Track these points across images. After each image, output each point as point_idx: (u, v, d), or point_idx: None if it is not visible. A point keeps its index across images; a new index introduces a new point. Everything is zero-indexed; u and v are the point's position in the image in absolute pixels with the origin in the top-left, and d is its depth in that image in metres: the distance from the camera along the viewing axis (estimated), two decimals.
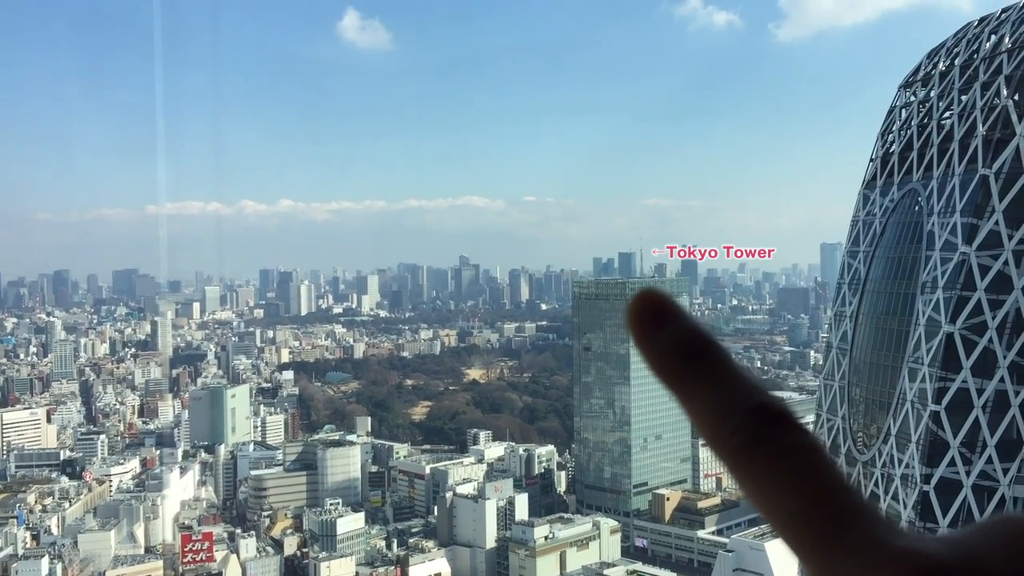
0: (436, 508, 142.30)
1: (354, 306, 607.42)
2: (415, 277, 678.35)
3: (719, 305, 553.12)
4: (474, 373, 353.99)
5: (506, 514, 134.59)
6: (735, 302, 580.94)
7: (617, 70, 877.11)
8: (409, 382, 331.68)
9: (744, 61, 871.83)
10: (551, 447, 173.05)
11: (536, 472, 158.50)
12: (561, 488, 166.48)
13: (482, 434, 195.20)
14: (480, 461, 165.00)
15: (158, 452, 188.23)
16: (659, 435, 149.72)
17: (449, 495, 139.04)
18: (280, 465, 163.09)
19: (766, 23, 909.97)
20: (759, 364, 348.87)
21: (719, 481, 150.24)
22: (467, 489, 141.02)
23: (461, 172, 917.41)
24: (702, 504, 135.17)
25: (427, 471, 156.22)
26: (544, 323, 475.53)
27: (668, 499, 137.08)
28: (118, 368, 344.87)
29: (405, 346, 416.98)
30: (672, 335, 1.43)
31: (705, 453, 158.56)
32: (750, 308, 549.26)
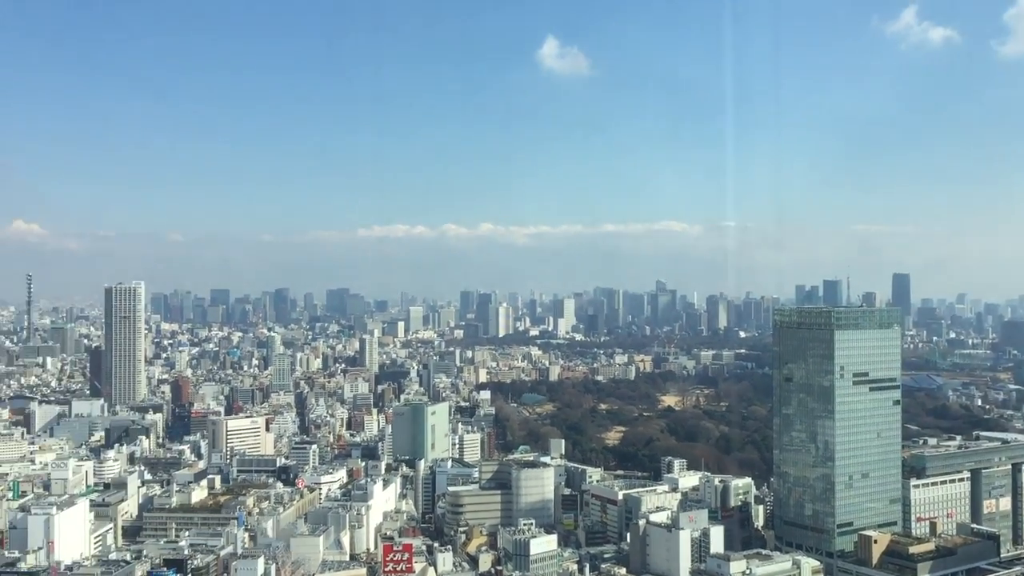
0: (629, 535, 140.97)
1: (550, 329, 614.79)
2: (611, 301, 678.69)
3: (935, 338, 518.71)
4: (669, 399, 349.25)
5: (700, 546, 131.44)
6: (953, 335, 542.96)
7: (823, 90, 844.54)
8: (603, 406, 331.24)
9: (963, 79, 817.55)
10: (748, 479, 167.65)
11: (732, 504, 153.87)
12: (759, 523, 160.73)
13: (676, 462, 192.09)
14: (674, 490, 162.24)
15: (363, 464, 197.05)
16: (865, 473, 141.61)
17: (642, 522, 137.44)
18: (476, 482, 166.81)
19: (988, 39, 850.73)
20: (980, 403, 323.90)
21: (933, 526, 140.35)
22: (660, 517, 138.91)
23: (659, 197, 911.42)
24: (914, 549, 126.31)
25: (620, 497, 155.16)
26: (742, 351, 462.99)
27: (876, 542, 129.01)
28: (329, 382, 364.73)
29: (600, 370, 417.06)
30: None
31: (918, 495, 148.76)
32: (970, 342, 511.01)
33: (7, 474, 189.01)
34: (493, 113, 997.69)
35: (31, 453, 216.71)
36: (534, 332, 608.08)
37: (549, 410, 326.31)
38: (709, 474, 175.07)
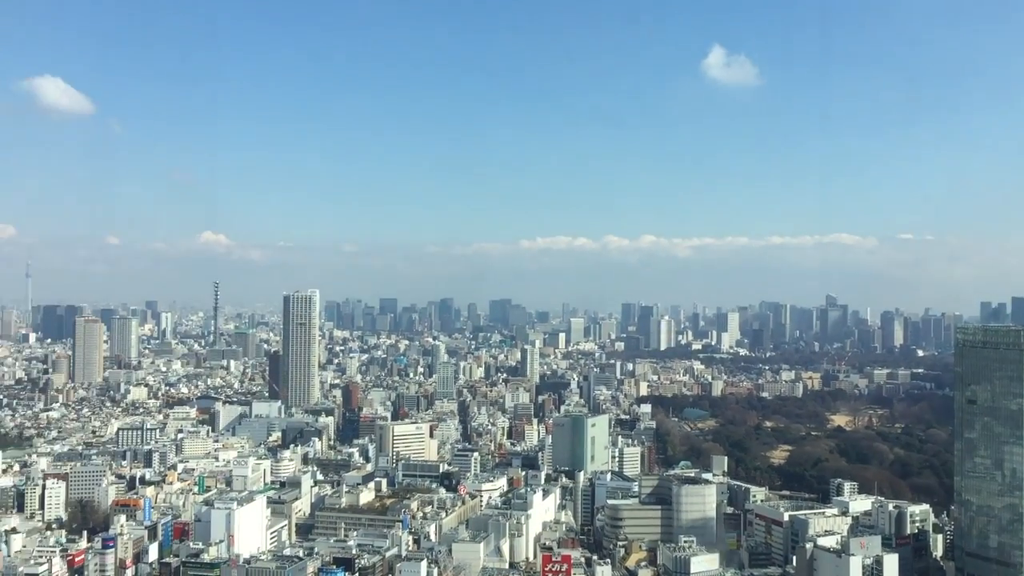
0: (795, 558, 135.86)
1: (713, 343, 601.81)
2: (777, 316, 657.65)
3: None
4: (839, 419, 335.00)
5: (872, 573, 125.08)
6: None
7: (1008, 94, 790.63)
8: (768, 424, 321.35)
9: None
10: (926, 506, 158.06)
11: (908, 532, 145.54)
12: (937, 552, 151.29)
13: (846, 484, 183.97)
14: (844, 513, 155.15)
15: (524, 473, 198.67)
16: None
17: (809, 546, 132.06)
18: (636, 496, 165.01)
19: None
20: None
21: None
22: (829, 542, 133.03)
23: (829, 208, 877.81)
24: None
25: (786, 518, 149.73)
26: (920, 370, 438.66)
27: None
28: (491, 391, 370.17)
29: (765, 386, 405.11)
30: None
31: None
32: None
33: (194, 469, 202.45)
34: (656, 123, 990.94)
35: (215, 450, 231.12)
36: (697, 346, 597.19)
37: (711, 426, 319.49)
38: (882, 499, 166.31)
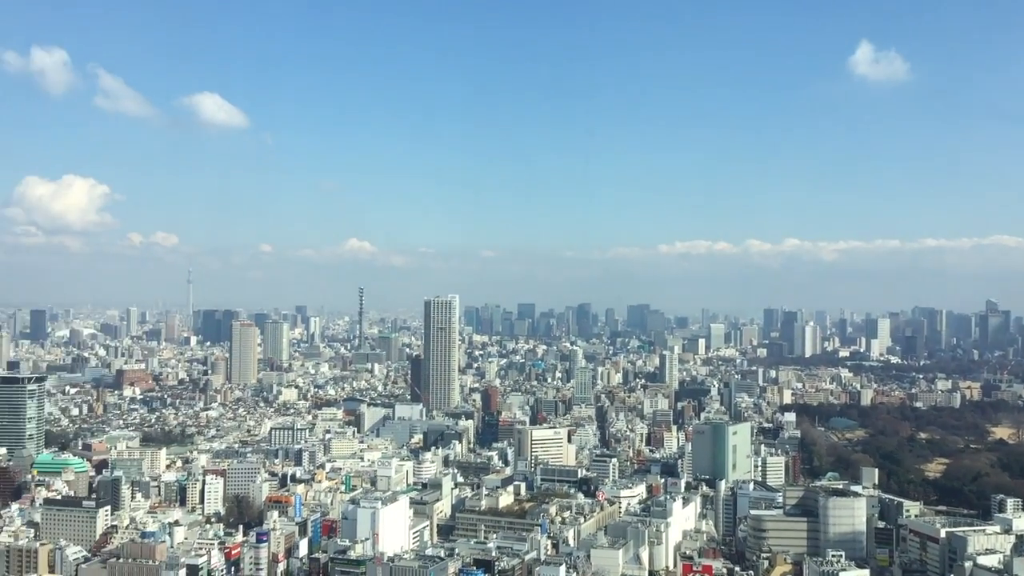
0: None
1: (862, 350, 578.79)
2: (932, 322, 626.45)
3: None
4: (1001, 431, 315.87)
5: None
6: None
7: None
8: (922, 435, 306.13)
9: None
10: None
11: None
12: None
13: (1010, 501, 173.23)
14: (1007, 531, 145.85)
15: (663, 480, 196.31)
16: None
17: (968, 564, 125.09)
18: (780, 508, 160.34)
19: None
20: None
21: None
22: (991, 561, 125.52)
23: (988, 209, 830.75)
24: None
25: (943, 534, 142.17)
26: None
27: None
28: (629, 397, 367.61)
29: (919, 396, 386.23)
30: None
31: None
32: None
33: (341, 469, 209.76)
34: (800, 124, 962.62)
35: (360, 451, 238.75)
36: (844, 353, 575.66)
37: (860, 436, 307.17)
38: None
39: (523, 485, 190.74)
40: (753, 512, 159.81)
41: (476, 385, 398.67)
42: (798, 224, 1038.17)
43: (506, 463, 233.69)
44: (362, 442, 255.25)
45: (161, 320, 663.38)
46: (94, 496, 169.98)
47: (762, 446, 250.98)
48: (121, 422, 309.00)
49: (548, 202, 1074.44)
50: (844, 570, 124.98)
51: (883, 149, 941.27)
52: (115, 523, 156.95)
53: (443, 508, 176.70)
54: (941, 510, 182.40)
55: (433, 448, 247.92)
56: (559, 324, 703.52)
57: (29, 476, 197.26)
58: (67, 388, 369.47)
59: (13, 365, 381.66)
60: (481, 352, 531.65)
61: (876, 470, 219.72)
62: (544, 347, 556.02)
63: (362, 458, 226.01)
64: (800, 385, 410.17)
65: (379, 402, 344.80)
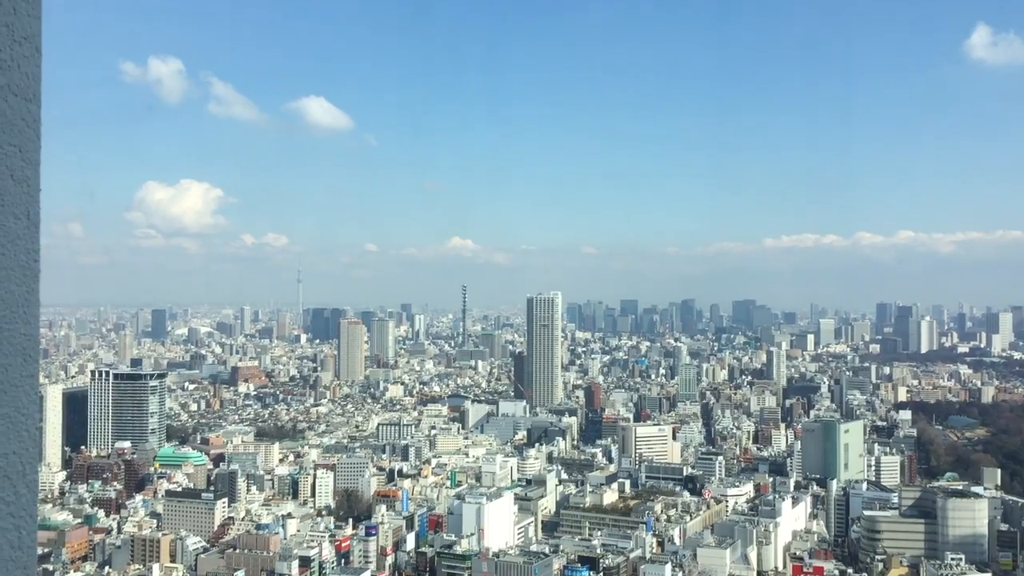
0: None
1: (982, 345, 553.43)
2: None
3: None
4: None
5: None
6: None
7: None
8: None
9: None
10: None
11: None
12: None
13: None
14: None
15: (771, 479, 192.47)
16: None
17: None
18: (895, 508, 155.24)
19: None
20: None
21: None
22: None
23: None
24: None
25: None
26: None
27: None
28: (735, 394, 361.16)
29: None
30: None
31: None
32: None
33: (446, 464, 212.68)
34: (914, 111, 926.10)
35: (465, 447, 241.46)
36: (963, 349, 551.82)
37: (981, 435, 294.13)
38: None
39: (628, 482, 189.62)
40: (867, 513, 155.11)
41: (579, 382, 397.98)
42: (913, 215, 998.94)
43: (610, 460, 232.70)
44: (467, 438, 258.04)
45: (273, 318, 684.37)
46: (212, 488, 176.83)
47: (875, 445, 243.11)
48: (236, 417, 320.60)
49: (650, 198, 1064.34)
50: (964, 574, 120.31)
51: (1003, 135, 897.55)
52: (232, 515, 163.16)
53: (547, 504, 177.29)
54: None
55: (537, 445, 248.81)
56: (662, 320, 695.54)
57: (151, 469, 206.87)
58: (186, 384, 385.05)
59: (136, 363, 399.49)
60: (584, 349, 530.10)
61: (998, 471, 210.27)
62: (647, 344, 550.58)
63: (467, 454, 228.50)
64: (916, 382, 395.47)
65: (483, 399, 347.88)
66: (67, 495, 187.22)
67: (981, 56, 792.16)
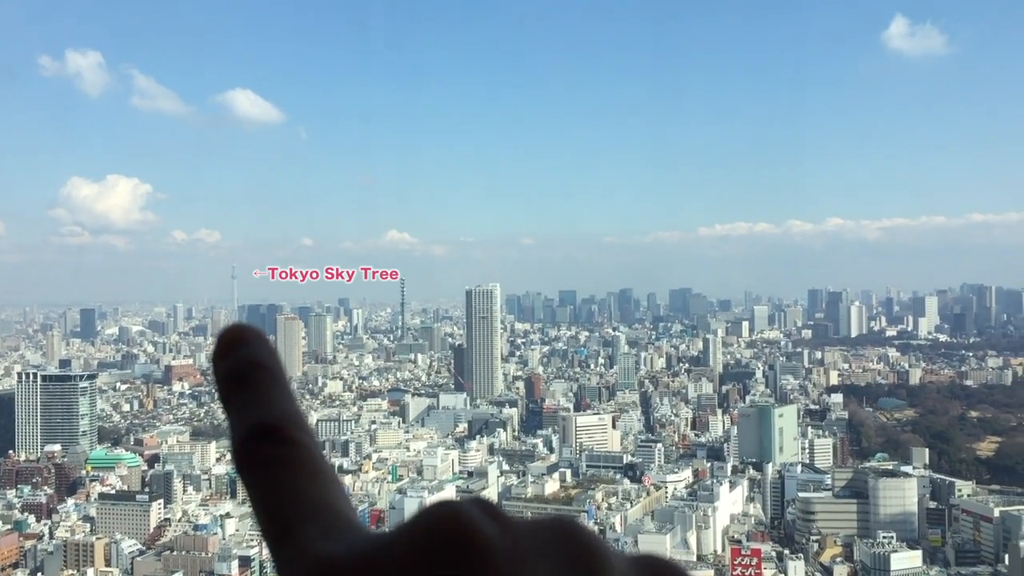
0: (1007, 557, 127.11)
1: (909, 329, 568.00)
2: (981, 299, 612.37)
3: None
4: None
5: None
6: None
7: None
8: (973, 414, 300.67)
9: None
10: None
11: None
12: None
13: None
14: None
15: (709, 464, 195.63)
16: None
17: (1023, 544, 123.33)
18: (828, 490, 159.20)
19: None
20: None
21: None
22: None
23: None
24: None
25: (996, 514, 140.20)
26: None
27: None
28: (673, 382, 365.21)
29: (969, 374, 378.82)
30: (228, 363, 1.55)
31: None
32: None
33: (387, 459, 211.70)
34: (836, 101, 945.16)
35: (406, 441, 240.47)
36: (891, 332, 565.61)
37: (909, 416, 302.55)
38: None
39: (568, 472, 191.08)
40: (802, 495, 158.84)
41: (519, 373, 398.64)
42: (841, 203, 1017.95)
43: (551, 450, 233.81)
44: (407, 432, 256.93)
45: (207, 316, 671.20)
46: (147, 490, 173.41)
47: (809, 428, 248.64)
48: (171, 417, 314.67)
49: (587, 188, 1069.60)
50: (895, 551, 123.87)
51: (924, 126, 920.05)
52: (168, 516, 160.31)
53: (490, 496, 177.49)
54: (994, 489, 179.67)
55: (478, 436, 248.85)
56: (601, 310, 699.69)
57: (83, 472, 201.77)
58: (117, 384, 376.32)
59: (65, 363, 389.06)
60: (523, 340, 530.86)
61: (927, 450, 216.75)
62: (586, 333, 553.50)
63: (408, 448, 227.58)
64: (847, 366, 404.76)
65: (423, 392, 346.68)
66: None
67: (899, 47, 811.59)
